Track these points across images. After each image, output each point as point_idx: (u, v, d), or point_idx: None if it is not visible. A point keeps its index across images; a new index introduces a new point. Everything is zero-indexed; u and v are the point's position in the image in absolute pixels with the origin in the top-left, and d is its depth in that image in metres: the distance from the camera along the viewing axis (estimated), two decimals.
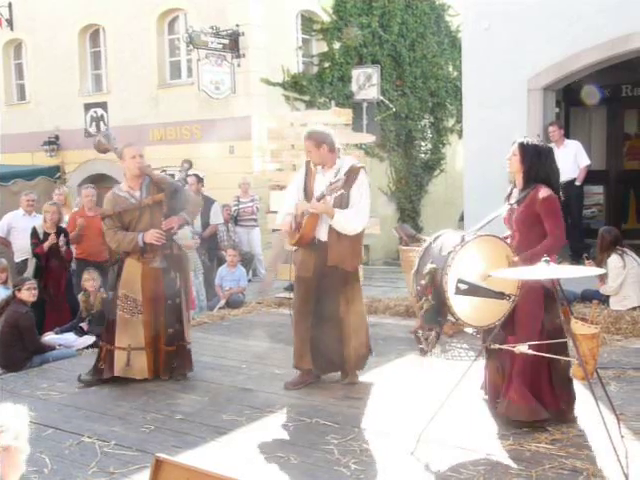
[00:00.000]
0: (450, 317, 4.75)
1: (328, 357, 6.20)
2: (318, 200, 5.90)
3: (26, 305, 7.78)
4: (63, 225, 9.67)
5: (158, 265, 6.39)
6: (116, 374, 6.35)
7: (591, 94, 11.73)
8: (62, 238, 9.27)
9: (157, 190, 6.44)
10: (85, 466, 4.62)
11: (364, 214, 6.01)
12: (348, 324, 6.07)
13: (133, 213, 6.39)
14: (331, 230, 5.95)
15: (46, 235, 9.25)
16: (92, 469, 4.58)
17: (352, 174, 5.96)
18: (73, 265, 9.93)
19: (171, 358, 6.52)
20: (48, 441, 5.03)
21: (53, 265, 9.23)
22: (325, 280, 6.04)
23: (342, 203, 5.90)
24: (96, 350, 7.06)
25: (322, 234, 6.00)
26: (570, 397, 5.09)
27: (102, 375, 6.43)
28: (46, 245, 9.16)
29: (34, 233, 9.35)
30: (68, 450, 4.92)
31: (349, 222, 5.92)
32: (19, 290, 7.79)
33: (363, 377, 6.25)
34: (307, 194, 6.14)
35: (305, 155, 6.32)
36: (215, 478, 2.66)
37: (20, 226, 10.02)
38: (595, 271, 4.67)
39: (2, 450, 2.46)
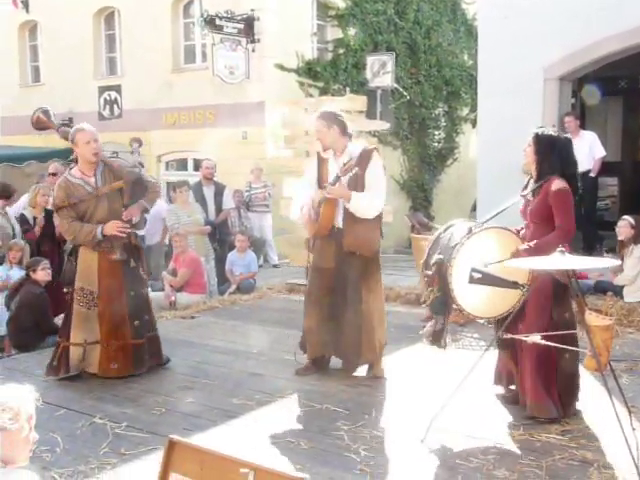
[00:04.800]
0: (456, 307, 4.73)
1: (348, 349, 6.01)
2: (333, 184, 5.73)
3: (40, 286, 7.81)
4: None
5: (118, 257, 6.00)
6: (71, 372, 5.99)
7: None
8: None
9: (113, 176, 6.04)
10: (97, 446, 4.65)
11: (381, 196, 5.81)
12: (372, 314, 5.89)
13: (89, 202, 5.96)
14: (347, 215, 5.77)
15: (35, 219, 9.22)
16: (104, 449, 4.61)
17: (365, 156, 5.78)
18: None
19: (142, 351, 6.13)
20: (60, 421, 5.07)
21: (46, 249, 9.16)
22: (345, 269, 5.86)
23: (357, 186, 5.72)
24: None
25: (340, 221, 5.83)
26: (572, 393, 5.04)
27: (58, 374, 6.01)
28: (37, 230, 9.14)
29: (24, 219, 9.33)
30: (80, 430, 4.95)
31: (366, 205, 5.73)
32: (34, 271, 7.81)
33: None
34: (320, 184, 5.95)
35: (316, 139, 6.02)
36: (228, 460, 2.67)
37: None
38: (611, 262, 4.62)
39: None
